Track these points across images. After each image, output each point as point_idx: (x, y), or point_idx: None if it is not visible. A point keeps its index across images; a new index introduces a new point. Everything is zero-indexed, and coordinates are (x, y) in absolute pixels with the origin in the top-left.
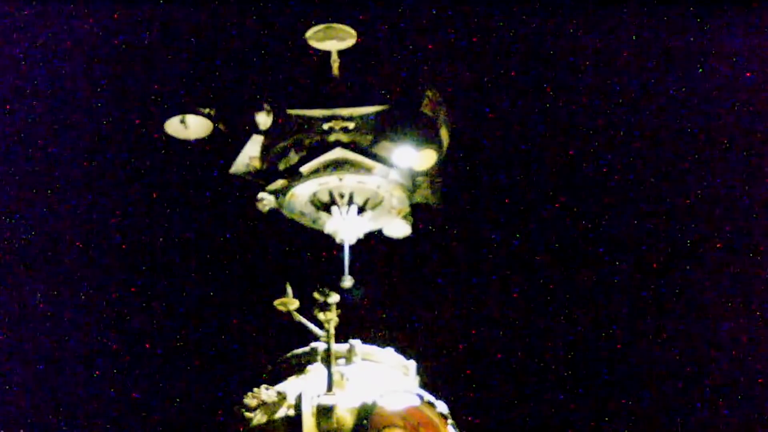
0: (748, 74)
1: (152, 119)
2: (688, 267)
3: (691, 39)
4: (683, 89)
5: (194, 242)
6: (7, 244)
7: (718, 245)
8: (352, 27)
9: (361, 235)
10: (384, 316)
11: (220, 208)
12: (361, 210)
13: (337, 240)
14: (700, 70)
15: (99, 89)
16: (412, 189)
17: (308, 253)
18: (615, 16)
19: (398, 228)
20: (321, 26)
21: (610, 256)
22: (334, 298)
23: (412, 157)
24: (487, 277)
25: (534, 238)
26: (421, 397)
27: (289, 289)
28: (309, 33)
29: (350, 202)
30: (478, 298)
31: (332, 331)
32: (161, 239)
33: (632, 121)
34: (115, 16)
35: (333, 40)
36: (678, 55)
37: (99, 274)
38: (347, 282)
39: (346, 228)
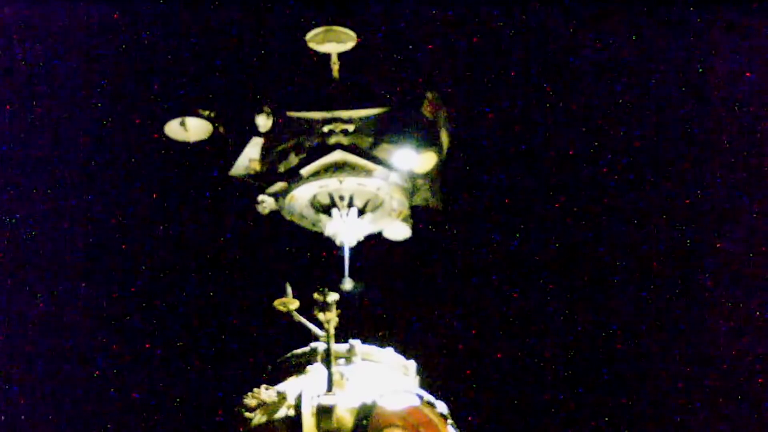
0: (748, 74)
1: (152, 121)
2: (688, 267)
3: (691, 39)
4: (683, 89)
5: (194, 243)
6: (7, 244)
7: (718, 245)
8: (352, 29)
9: (361, 238)
10: (384, 316)
11: (220, 210)
12: (361, 212)
13: (337, 242)
14: (700, 70)
15: (99, 89)
16: (412, 191)
17: (308, 253)
18: (615, 16)
19: (398, 230)
20: (321, 29)
21: (610, 256)
22: (334, 297)
23: (412, 159)
24: (487, 277)
25: (534, 238)
26: (421, 397)
27: (289, 290)
28: (309, 35)
29: (350, 204)
30: (478, 298)
31: (332, 331)
32: (161, 240)
33: (632, 121)
34: (115, 16)
35: (333, 42)
36: (678, 56)
37: (99, 274)
38: (347, 285)
39: (346, 230)
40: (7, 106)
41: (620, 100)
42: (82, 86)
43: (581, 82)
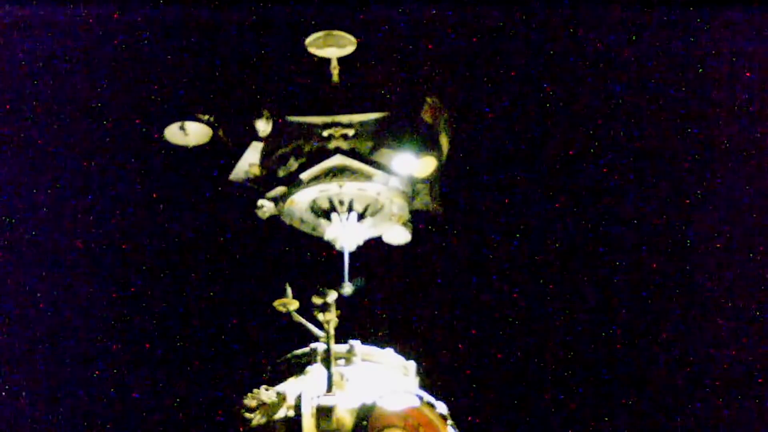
0: (748, 74)
1: (152, 122)
2: (688, 267)
3: (691, 39)
4: (683, 89)
5: (194, 244)
6: (7, 244)
7: (718, 245)
8: (352, 32)
9: (360, 242)
10: (384, 316)
11: (220, 211)
12: (361, 217)
13: (337, 247)
14: (700, 70)
15: (99, 90)
16: (412, 196)
17: (308, 254)
18: (615, 16)
19: (398, 235)
20: (321, 33)
21: (610, 256)
22: (333, 297)
23: (412, 164)
24: (487, 277)
25: (534, 238)
26: (421, 398)
27: (289, 290)
28: (309, 40)
29: (350, 209)
30: (478, 298)
31: (332, 331)
32: (162, 241)
33: (632, 121)
34: (115, 15)
35: (333, 46)
36: (678, 55)
37: (99, 274)
38: (347, 289)
39: (346, 235)
40: (7, 106)
41: (620, 100)
42: (82, 87)
43: (581, 82)
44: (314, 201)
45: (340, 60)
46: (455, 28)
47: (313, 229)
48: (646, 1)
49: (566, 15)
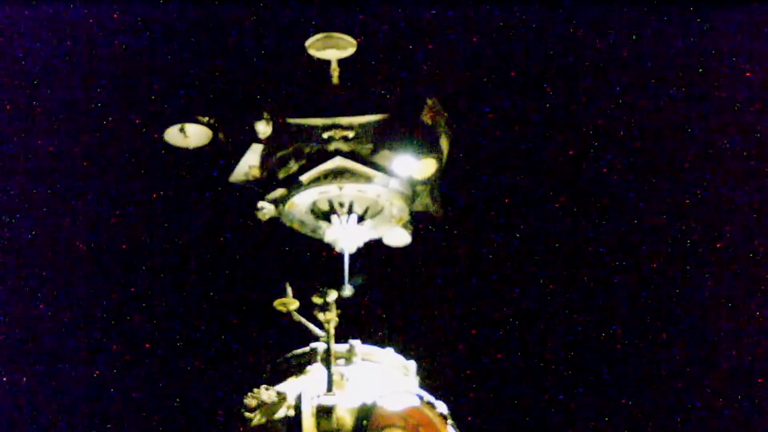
0: (748, 74)
1: (152, 122)
2: (688, 267)
3: (691, 39)
4: (683, 89)
5: (194, 244)
6: (7, 244)
7: (718, 245)
8: (352, 34)
9: (360, 244)
10: (384, 316)
11: (220, 212)
12: (360, 219)
13: (337, 249)
14: (700, 70)
15: (99, 90)
16: (413, 198)
17: (308, 254)
18: (615, 16)
19: (398, 237)
20: (320, 35)
21: (610, 256)
22: (333, 297)
23: (412, 166)
24: (487, 277)
25: (534, 238)
26: (421, 398)
27: (289, 290)
28: (309, 41)
29: (350, 211)
30: (478, 298)
31: (332, 331)
32: (162, 241)
33: (632, 121)
34: (115, 16)
35: (332, 48)
36: (678, 55)
37: (99, 274)
38: (347, 291)
39: (345, 237)
40: (8, 106)
41: (620, 100)
42: (82, 87)
43: (581, 82)
44: (314, 203)
45: (340, 62)
46: (455, 28)
47: (313, 231)
48: (646, 1)
49: (566, 15)
